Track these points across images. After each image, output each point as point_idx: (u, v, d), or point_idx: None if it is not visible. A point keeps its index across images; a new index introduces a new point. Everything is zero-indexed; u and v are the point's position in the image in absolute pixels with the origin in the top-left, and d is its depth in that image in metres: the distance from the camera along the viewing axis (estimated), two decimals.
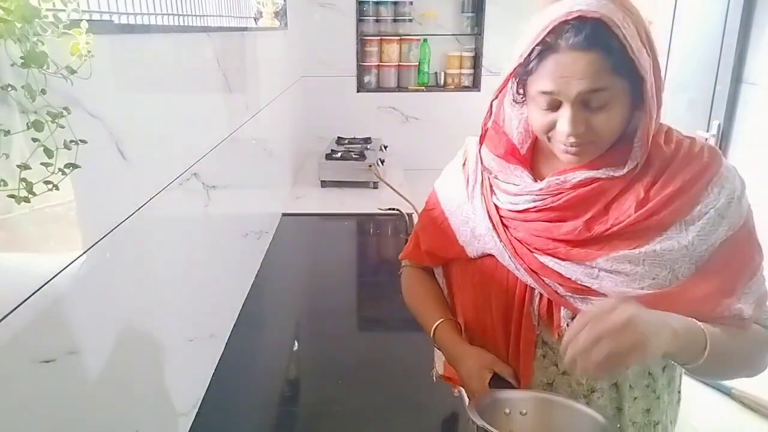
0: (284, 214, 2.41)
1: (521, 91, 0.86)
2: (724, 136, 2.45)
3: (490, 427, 0.73)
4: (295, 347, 1.59)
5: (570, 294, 0.82)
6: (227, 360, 1.42)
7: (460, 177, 0.98)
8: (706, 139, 2.47)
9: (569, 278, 0.82)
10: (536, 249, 0.85)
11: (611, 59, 0.73)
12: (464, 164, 0.99)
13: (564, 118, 0.77)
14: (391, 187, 2.57)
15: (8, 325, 0.61)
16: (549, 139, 0.82)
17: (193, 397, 1.23)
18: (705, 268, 0.79)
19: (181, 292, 1.17)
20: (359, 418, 1.27)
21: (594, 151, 0.81)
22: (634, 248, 0.78)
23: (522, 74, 0.82)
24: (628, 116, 0.79)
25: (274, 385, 1.41)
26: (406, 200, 2.44)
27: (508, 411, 0.82)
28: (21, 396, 0.64)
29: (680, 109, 2.80)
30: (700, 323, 0.76)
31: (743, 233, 0.80)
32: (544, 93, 0.78)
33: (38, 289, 0.67)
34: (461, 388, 0.99)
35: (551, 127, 0.80)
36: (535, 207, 0.85)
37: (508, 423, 0.82)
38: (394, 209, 2.37)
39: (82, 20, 0.69)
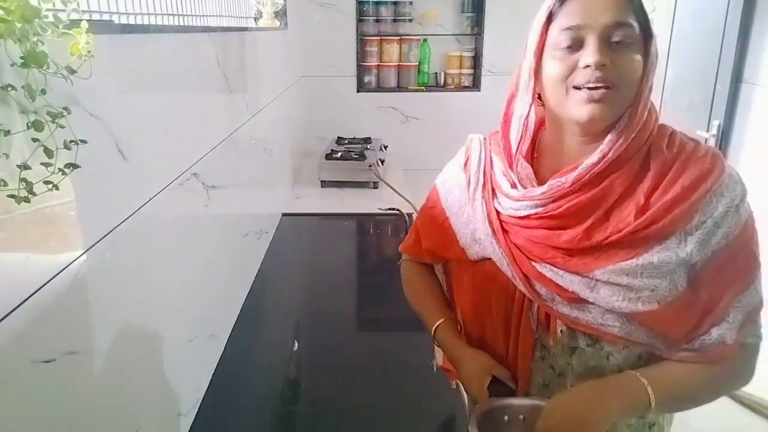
0: (284, 214, 2.41)
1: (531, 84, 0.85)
2: (724, 136, 2.45)
3: None
4: (295, 347, 1.59)
5: (567, 303, 0.83)
6: (227, 360, 1.42)
7: (461, 177, 0.97)
8: (706, 140, 2.47)
9: (566, 288, 0.82)
10: (535, 257, 0.84)
11: (633, 1, 0.78)
12: (466, 164, 0.97)
13: (589, 50, 0.76)
14: (391, 187, 2.57)
15: (8, 325, 0.61)
16: (567, 92, 0.79)
17: (193, 397, 1.23)
18: (695, 280, 0.78)
19: (181, 292, 1.17)
20: (359, 418, 1.27)
21: (615, 102, 0.77)
22: (632, 258, 0.77)
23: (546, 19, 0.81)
24: (642, 73, 0.78)
25: (274, 385, 1.41)
26: (406, 200, 2.44)
27: (506, 418, 0.84)
28: (21, 396, 0.64)
29: (680, 109, 2.80)
30: (642, 379, 0.79)
31: (738, 243, 0.77)
32: (569, 29, 0.77)
33: (38, 289, 0.67)
34: (459, 381, 1.00)
35: (572, 69, 0.78)
36: (536, 213, 0.84)
37: (508, 429, 0.84)
38: (394, 209, 2.37)
39: (82, 20, 0.69)
